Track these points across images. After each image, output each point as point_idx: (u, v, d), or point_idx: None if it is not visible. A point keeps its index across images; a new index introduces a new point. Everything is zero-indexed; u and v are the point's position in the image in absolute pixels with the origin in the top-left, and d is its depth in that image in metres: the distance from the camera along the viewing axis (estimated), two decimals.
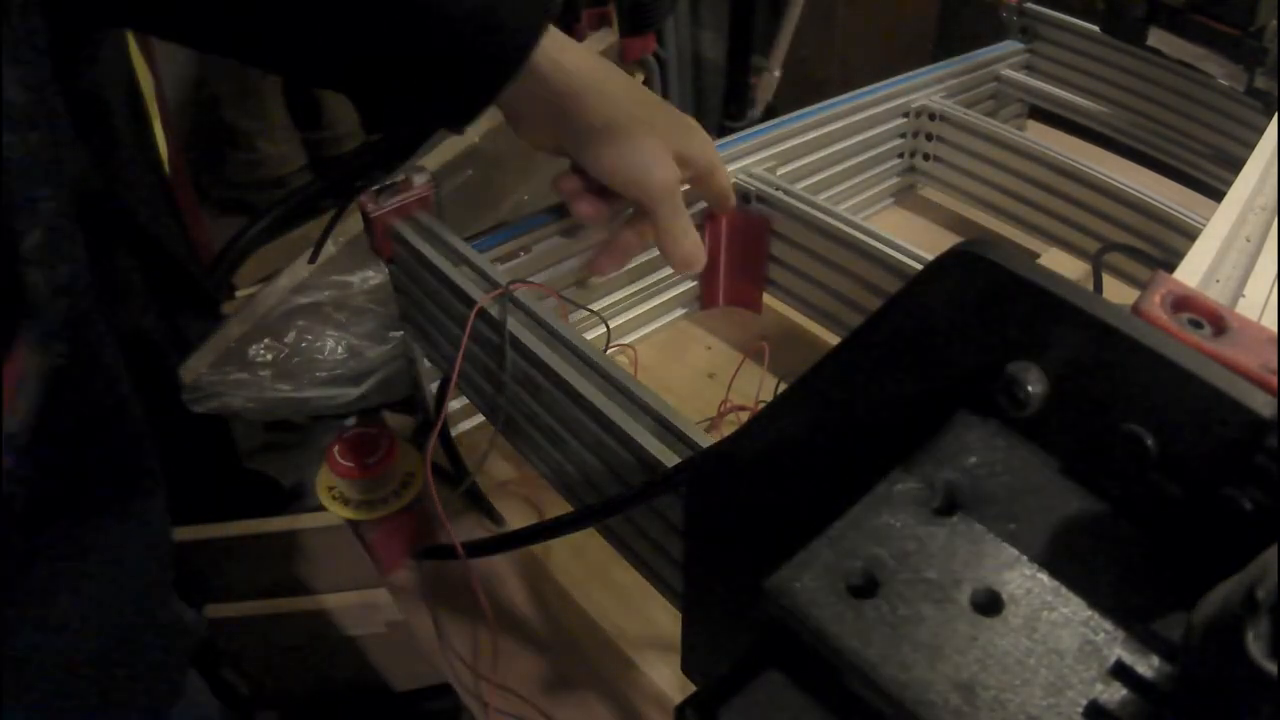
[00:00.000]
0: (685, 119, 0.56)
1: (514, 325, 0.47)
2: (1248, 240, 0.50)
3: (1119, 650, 0.22)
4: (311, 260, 0.67)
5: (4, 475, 0.27)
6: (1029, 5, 0.92)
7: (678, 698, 0.47)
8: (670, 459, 0.39)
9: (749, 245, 0.68)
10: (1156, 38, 0.75)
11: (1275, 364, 0.22)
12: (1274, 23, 0.67)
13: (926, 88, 0.82)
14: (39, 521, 0.33)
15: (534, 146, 0.56)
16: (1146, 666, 0.21)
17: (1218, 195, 0.66)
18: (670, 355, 0.71)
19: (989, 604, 0.23)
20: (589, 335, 0.64)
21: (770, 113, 1.27)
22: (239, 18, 0.46)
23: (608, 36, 0.88)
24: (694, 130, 0.56)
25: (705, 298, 0.73)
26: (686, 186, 0.59)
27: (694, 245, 0.57)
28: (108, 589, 0.40)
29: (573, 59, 0.50)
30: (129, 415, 0.41)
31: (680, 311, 0.74)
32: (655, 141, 0.53)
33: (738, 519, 0.36)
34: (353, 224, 0.69)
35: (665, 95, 0.91)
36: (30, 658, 0.36)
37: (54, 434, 0.29)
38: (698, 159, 0.56)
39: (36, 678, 0.36)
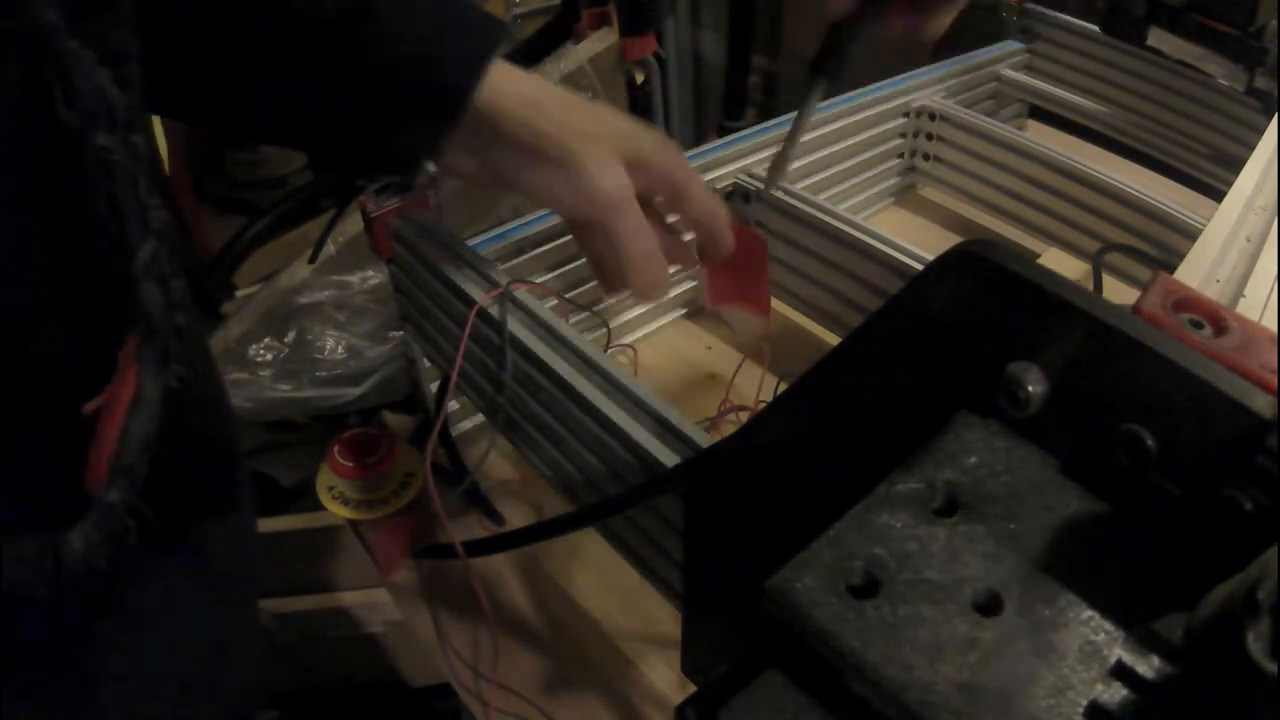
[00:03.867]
0: (638, 126, 0.49)
1: (514, 325, 0.47)
2: (1248, 240, 0.50)
3: (1119, 650, 0.22)
4: (311, 260, 0.67)
5: (119, 508, 0.24)
6: (1029, 5, 0.92)
7: (678, 698, 0.47)
8: (670, 459, 0.39)
9: (745, 268, 0.64)
10: (1156, 38, 0.75)
11: (1275, 364, 0.22)
12: (1274, 23, 0.67)
13: (926, 88, 0.82)
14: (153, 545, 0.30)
15: (470, 181, 0.50)
16: (1146, 666, 0.21)
17: (1218, 195, 0.66)
18: (670, 355, 0.71)
19: (989, 604, 0.23)
20: (589, 335, 0.64)
21: (769, 112, 1.27)
22: (179, 77, 0.43)
23: (608, 36, 0.88)
24: (645, 133, 0.48)
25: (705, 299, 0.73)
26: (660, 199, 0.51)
27: (654, 263, 0.48)
28: (206, 599, 0.38)
29: (499, 83, 0.45)
30: (232, 433, 0.40)
31: (680, 311, 0.74)
32: (597, 150, 0.46)
33: (738, 519, 0.35)
34: (353, 224, 0.69)
35: (665, 95, 0.91)
36: (130, 674, 0.34)
37: (167, 461, 0.27)
38: (650, 159, 0.48)
39: (137, 696, 0.35)
